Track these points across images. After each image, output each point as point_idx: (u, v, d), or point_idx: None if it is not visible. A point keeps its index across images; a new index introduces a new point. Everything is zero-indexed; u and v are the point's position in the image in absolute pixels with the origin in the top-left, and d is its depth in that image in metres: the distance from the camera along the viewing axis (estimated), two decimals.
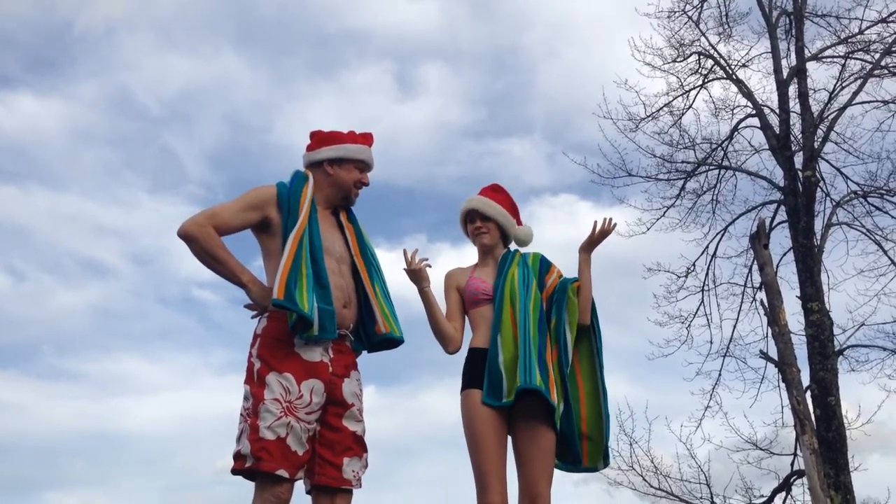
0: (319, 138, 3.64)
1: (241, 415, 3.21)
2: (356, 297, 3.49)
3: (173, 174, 20.28)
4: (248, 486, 3.19)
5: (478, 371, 3.71)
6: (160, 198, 20.08)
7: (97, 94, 19.71)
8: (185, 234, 3.29)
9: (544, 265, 3.96)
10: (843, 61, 12.29)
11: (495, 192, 4.04)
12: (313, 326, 3.22)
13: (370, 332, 3.48)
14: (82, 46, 19.73)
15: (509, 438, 3.70)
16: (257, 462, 3.08)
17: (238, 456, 3.15)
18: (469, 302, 3.90)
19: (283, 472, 3.09)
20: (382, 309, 3.49)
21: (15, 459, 17.32)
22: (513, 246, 4.07)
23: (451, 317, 3.92)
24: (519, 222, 4.07)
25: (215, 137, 20.43)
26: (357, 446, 3.34)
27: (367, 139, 3.68)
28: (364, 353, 3.58)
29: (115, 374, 19.10)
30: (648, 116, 13.02)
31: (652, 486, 11.90)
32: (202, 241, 3.27)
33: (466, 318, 3.95)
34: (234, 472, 3.16)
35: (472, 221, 3.98)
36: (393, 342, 3.55)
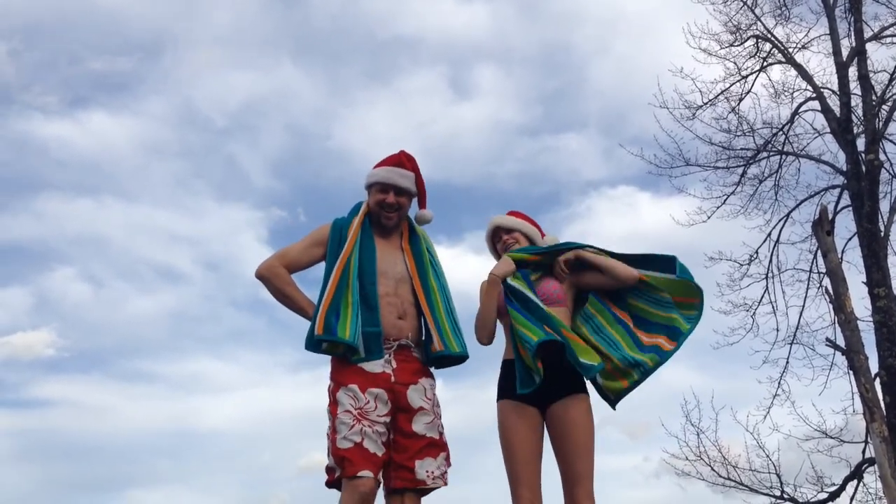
0: (375, 164, 3.87)
1: (327, 434, 3.50)
2: (416, 310, 3.68)
3: (239, 182, 20.98)
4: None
5: (510, 382, 3.77)
6: (227, 205, 20.87)
7: (165, 109, 20.48)
8: (259, 276, 3.72)
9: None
10: None
11: (512, 213, 4.20)
12: (359, 351, 3.48)
13: (427, 351, 3.67)
14: (150, 65, 20.43)
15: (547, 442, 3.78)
16: (342, 470, 3.36)
17: (328, 470, 3.47)
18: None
19: (365, 473, 3.33)
20: (442, 326, 3.66)
21: (100, 459, 18.10)
22: None
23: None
24: (542, 234, 4.19)
25: (277, 146, 21.08)
26: (430, 448, 3.53)
27: (389, 160, 3.82)
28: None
29: (191, 374, 19.81)
30: (706, 103, 12.89)
31: (721, 477, 11.85)
32: (273, 281, 3.70)
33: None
34: (328, 485, 3.48)
35: (500, 238, 4.11)
36: (451, 359, 3.70)
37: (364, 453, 3.34)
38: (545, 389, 3.66)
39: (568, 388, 3.68)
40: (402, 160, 3.79)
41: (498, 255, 4.15)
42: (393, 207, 3.76)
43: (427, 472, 3.48)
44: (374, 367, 3.50)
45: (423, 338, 3.71)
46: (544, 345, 3.61)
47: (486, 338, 3.88)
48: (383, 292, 3.60)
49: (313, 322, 3.50)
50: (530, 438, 3.70)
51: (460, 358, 3.73)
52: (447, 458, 3.59)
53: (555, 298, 3.88)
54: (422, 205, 3.87)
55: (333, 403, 3.48)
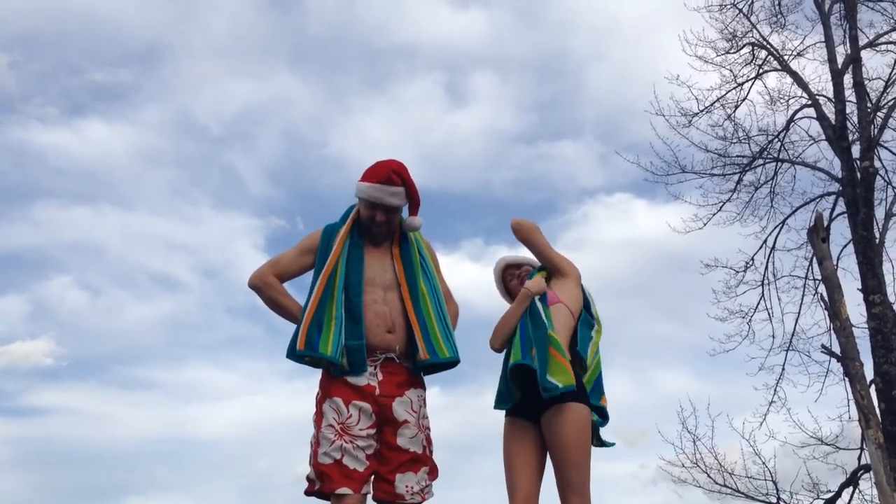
0: (364, 171, 3.71)
1: (311, 443, 3.49)
2: (405, 318, 3.61)
3: (235, 190, 21.05)
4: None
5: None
6: (224, 213, 20.92)
7: (162, 118, 20.54)
8: (251, 286, 3.69)
9: None
10: None
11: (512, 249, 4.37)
12: (341, 365, 3.45)
13: (414, 360, 3.61)
14: (147, 75, 20.51)
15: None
16: (322, 485, 3.36)
17: (308, 479, 3.44)
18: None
19: (344, 490, 3.32)
20: (431, 332, 3.59)
21: (98, 466, 18.10)
22: None
23: None
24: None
25: (273, 154, 21.21)
26: (412, 462, 3.48)
27: (377, 173, 3.63)
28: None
29: (188, 381, 19.83)
30: (702, 111, 12.93)
31: (717, 484, 11.86)
32: (265, 290, 3.67)
33: None
34: (307, 493, 3.45)
35: (512, 275, 4.23)
36: (441, 364, 3.63)
37: (343, 470, 3.33)
38: (538, 402, 3.69)
39: (560, 398, 3.67)
40: (391, 177, 3.60)
41: (508, 291, 4.25)
42: (381, 225, 3.66)
43: (406, 486, 3.44)
44: (360, 379, 3.46)
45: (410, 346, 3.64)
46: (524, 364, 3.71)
47: (500, 345, 3.94)
48: (371, 300, 3.55)
49: (295, 335, 3.47)
50: (528, 455, 3.75)
51: (451, 363, 3.66)
52: (430, 473, 3.55)
53: (553, 299, 3.93)
54: (413, 212, 3.73)
55: (318, 414, 3.47)
